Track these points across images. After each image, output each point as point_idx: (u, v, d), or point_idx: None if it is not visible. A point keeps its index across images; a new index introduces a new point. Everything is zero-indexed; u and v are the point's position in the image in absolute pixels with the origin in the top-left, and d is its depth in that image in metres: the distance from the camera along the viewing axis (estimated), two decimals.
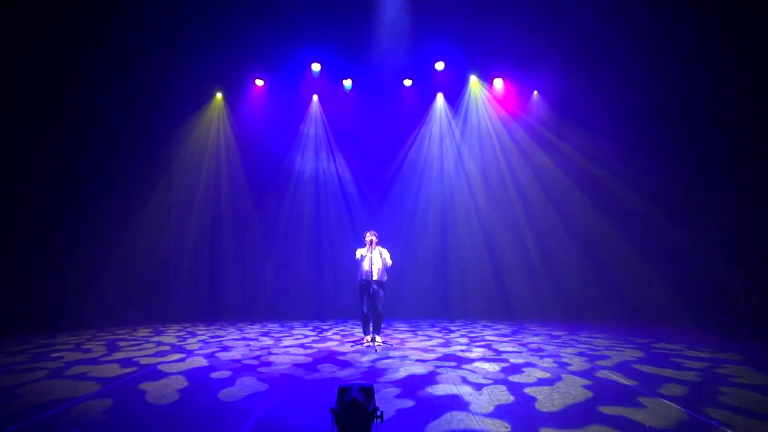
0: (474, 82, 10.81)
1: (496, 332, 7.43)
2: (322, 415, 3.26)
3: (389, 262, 6.15)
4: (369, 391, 2.38)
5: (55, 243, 8.67)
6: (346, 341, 6.60)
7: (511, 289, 10.36)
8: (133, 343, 6.49)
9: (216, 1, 8.83)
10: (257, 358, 5.36)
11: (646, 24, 8.55)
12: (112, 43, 8.93)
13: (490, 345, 6.15)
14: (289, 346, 6.22)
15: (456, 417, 3.21)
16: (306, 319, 9.52)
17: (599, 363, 4.91)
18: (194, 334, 7.32)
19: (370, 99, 10.96)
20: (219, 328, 8.08)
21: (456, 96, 10.98)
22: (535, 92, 10.79)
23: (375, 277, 5.99)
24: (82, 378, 4.38)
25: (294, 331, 7.70)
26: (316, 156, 11.00)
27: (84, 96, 9.03)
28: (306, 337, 7.08)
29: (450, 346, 6.07)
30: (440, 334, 7.23)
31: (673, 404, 3.42)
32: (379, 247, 6.16)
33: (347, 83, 10.81)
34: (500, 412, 3.31)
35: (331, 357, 5.41)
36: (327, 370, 4.73)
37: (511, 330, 7.67)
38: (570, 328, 7.88)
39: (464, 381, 4.19)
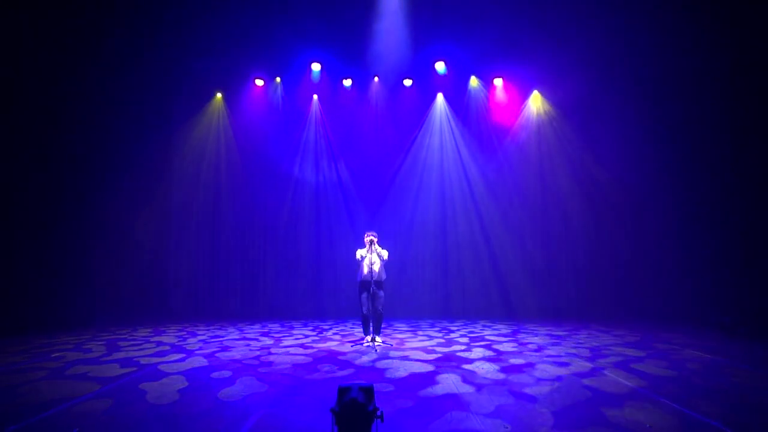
0: (474, 82, 10.82)
1: (496, 332, 7.43)
2: (322, 415, 3.26)
3: (385, 255, 6.15)
4: (369, 391, 2.38)
5: (55, 243, 8.66)
6: (346, 341, 6.60)
7: (511, 289, 10.36)
8: (133, 342, 6.49)
9: (217, 1, 8.84)
10: (257, 358, 5.35)
11: (646, 24, 8.56)
12: (111, 42, 8.93)
13: (490, 345, 6.15)
14: (289, 346, 6.22)
15: (456, 417, 3.21)
16: (306, 319, 9.52)
17: (600, 362, 4.91)
18: (194, 334, 7.32)
19: (370, 99, 10.97)
20: (219, 328, 8.08)
21: (456, 96, 10.99)
22: (535, 91, 10.79)
23: (374, 277, 5.99)
24: (82, 378, 4.38)
25: (294, 331, 7.69)
26: (316, 156, 11.00)
27: (83, 96, 9.03)
28: (306, 337, 7.08)
29: (450, 346, 6.07)
30: (440, 334, 7.23)
31: (672, 404, 3.42)
32: (377, 247, 6.15)
33: (347, 83, 10.82)
34: (500, 412, 3.31)
35: (331, 357, 5.40)
36: (327, 370, 4.72)
37: (510, 330, 7.67)
38: (570, 328, 7.88)
39: (465, 381, 4.19)
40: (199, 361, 5.13)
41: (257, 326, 8.41)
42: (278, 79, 10.91)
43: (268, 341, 6.62)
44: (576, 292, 10.13)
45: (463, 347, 5.99)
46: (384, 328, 7.57)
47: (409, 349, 5.93)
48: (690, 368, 4.62)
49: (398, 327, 8.19)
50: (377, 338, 6.11)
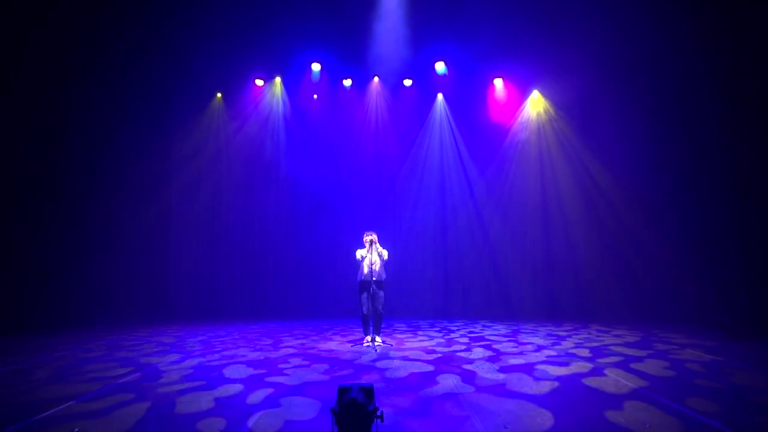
0: (474, 82, 10.80)
1: (496, 332, 7.42)
2: (322, 414, 3.26)
3: (385, 255, 6.14)
4: (369, 391, 2.38)
5: (55, 243, 8.66)
6: (346, 341, 6.60)
7: (511, 289, 10.37)
8: (132, 342, 6.49)
9: (218, 2, 8.84)
10: (257, 358, 5.36)
11: (647, 22, 8.55)
12: (111, 42, 8.93)
13: (490, 345, 6.15)
14: (290, 345, 6.22)
15: (456, 417, 3.21)
16: (306, 319, 9.52)
17: (600, 362, 4.91)
18: (194, 334, 7.32)
19: (370, 99, 10.97)
20: (219, 328, 8.08)
21: (456, 96, 10.98)
22: (535, 91, 10.78)
23: (374, 277, 5.99)
24: (82, 378, 4.38)
25: (294, 331, 7.69)
26: (316, 156, 10.98)
27: (84, 96, 9.03)
28: (306, 336, 7.08)
29: (450, 347, 6.07)
30: (440, 334, 7.23)
31: (672, 404, 3.42)
32: (378, 246, 6.14)
33: (347, 83, 10.82)
34: (500, 412, 3.31)
35: (331, 357, 5.41)
36: (327, 369, 4.73)
37: (510, 330, 7.67)
38: (570, 328, 7.88)
39: (465, 381, 4.19)
40: (198, 361, 5.13)
41: (257, 326, 8.41)
42: (278, 79, 10.92)
43: (268, 341, 6.62)
44: (576, 292, 10.13)
45: (463, 347, 5.99)
46: (384, 328, 7.57)
47: (409, 349, 5.93)
48: (690, 368, 4.62)
49: (398, 327, 8.19)
50: (377, 338, 6.11)
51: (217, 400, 3.64)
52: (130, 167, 9.78)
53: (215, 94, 10.93)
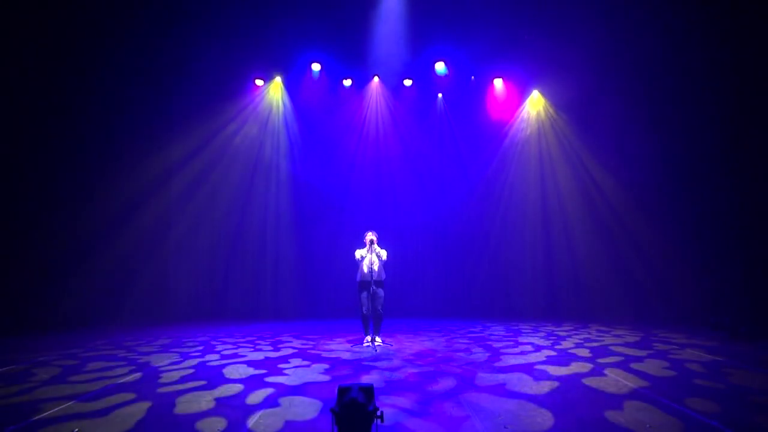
0: (474, 82, 10.79)
1: (496, 332, 7.42)
2: (322, 415, 3.26)
3: (384, 255, 6.13)
4: (369, 391, 2.38)
5: (55, 243, 8.65)
6: (346, 341, 6.60)
7: (511, 289, 10.37)
8: (132, 343, 6.49)
9: (217, 2, 8.84)
10: (257, 357, 5.36)
11: (648, 21, 8.56)
12: (111, 42, 8.93)
13: (490, 345, 6.15)
14: (290, 345, 6.22)
15: (456, 417, 3.20)
16: (306, 319, 9.52)
17: (600, 362, 4.91)
18: (194, 334, 7.32)
19: (370, 99, 10.97)
20: (219, 328, 8.07)
21: (456, 96, 10.97)
22: (535, 91, 10.78)
23: (374, 277, 5.98)
24: (81, 378, 4.38)
25: (294, 331, 7.69)
26: (316, 156, 10.97)
27: (84, 95, 9.02)
28: (306, 336, 7.08)
29: (450, 347, 6.07)
30: (440, 335, 7.23)
31: (672, 404, 3.42)
32: (376, 247, 6.13)
33: (347, 83, 10.81)
34: (500, 412, 3.31)
35: (331, 357, 5.41)
36: (327, 369, 4.72)
37: (510, 330, 7.66)
38: (570, 328, 7.88)
39: (464, 381, 4.19)
40: (198, 361, 5.13)
41: (257, 326, 8.41)
42: (278, 79, 10.91)
43: (268, 341, 6.62)
44: (576, 292, 10.12)
45: (463, 347, 5.99)
46: (384, 328, 7.57)
47: (409, 349, 5.93)
48: (690, 368, 4.62)
49: (398, 327, 8.18)
50: (377, 338, 6.11)
51: (217, 400, 3.64)
52: (129, 167, 9.76)
53: (215, 94, 10.89)
